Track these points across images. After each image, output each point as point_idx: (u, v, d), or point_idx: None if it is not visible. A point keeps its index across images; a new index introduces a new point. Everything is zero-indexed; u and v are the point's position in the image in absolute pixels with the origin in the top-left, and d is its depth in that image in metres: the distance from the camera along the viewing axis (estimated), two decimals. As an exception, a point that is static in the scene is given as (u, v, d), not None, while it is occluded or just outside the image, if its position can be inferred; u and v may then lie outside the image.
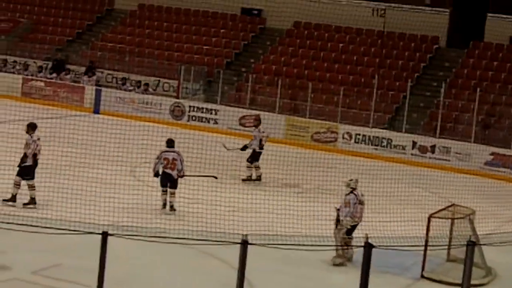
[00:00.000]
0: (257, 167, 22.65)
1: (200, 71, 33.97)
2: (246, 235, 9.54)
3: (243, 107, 31.53)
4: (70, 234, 12.15)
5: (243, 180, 22.38)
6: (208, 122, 31.45)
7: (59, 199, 17.06)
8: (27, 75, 34.68)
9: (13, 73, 34.78)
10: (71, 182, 18.59)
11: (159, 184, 18.76)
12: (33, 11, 39.66)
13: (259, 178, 22.57)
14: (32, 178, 17.69)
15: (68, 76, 34.52)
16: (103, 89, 33.31)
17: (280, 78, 32.40)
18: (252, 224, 16.05)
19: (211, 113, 31.51)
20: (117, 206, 16.87)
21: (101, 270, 9.61)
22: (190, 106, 31.87)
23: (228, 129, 30.48)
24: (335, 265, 15.68)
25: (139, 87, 33.11)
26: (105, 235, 9.62)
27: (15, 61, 35.57)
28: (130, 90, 33.18)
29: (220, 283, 13.73)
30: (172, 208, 18.38)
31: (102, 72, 35.03)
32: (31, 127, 18.12)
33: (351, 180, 16.16)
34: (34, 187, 17.65)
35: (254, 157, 22.72)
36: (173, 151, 18.70)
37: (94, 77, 34.41)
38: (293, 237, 15.18)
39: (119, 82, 34.12)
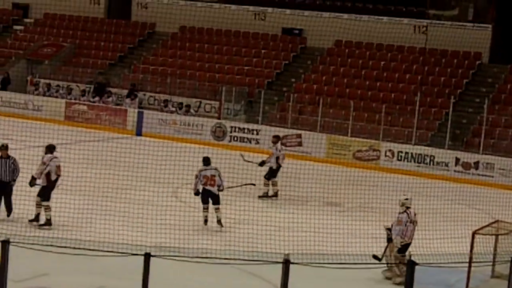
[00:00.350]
0: (274, 184, 22.66)
1: (241, 91, 34.08)
2: (288, 254, 9.52)
3: (284, 127, 31.52)
4: (113, 256, 12.21)
5: (260, 196, 22.29)
6: (250, 142, 31.48)
7: (103, 221, 17.17)
8: (70, 99, 35.05)
9: (57, 97, 35.17)
10: (114, 204, 18.70)
11: (200, 202, 18.83)
12: (75, 35, 40.12)
13: (275, 195, 22.55)
14: (47, 199, 17.71)
15: (110, 99, 34.83)
16: (145, 111, 33.54)
17: (322, 97, 32.36)
18: (296, 243, 16.00)
19: (252, 133, 31.55)
20: (160, 227, 16.92)
21: (143, 291, 9.65)
22: (231, 127, 31.95)
23: (270, 149, 30.36)
24: (395, 284, 15.53)
25: (180, 108, 33.28)
26: (147, 256, 9.66)
27: (58, 85, 35.98)
28: (172, 112, 33.37)
29: (263, 303, 13.69)
30: (219, 222, 18.58)
31: (144, 95, 35.30)
32: (49, 148, 18.30)
33: (406, 199, 15.96)
34: (49, 208, 17.65)
35: (271, 174, 22.75)
36: (211, 168, 18.84)
37: (136, 100, 34.67)
38: (336, 255, 15.09)
39: (161, 104, 34.35)
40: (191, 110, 33.34)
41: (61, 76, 37.27)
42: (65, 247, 12.16)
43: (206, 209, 18.73)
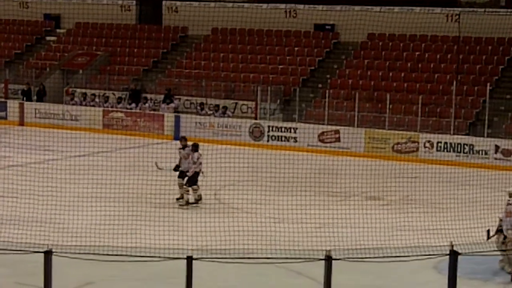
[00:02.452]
0: (195, 190, 21.11)
1: (276, 90, 34.05)
2: (330, 250, 9.47)
3: (322, 124, 31.44)
4: (155, 261, 12.25)
5: (181, 205, 20.86)
6: (288, 140, 31.43)
7: (145, 227, 17.24)
8: (106, 107, 35.26)
9: (93, 106, 35.40)
10: (155, 209, 18.77)
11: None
12: (108, 43, 40.36)
13: (200, 199, 21.03)
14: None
15: (146, 105, 34.98)
16: (182, 115, 33.63)
17: (357, 92, 32.24)
18: (338, 239, 15.93)
19: (290, 132, 31.49)
20: (201, 230, 16.94)
21: (188, 294, 9.65)
22: (269, 126, 31.92)
23: (308, 146, 30.43)
24: (508, 272, 15.37)
25: (217, 111, 33.33)
26: (190, 260, 9.67)
27: (94, 94, 36.20)
28: (208, 115, 33.43)
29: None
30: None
31: (179, 99, 35.40)
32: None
33: None
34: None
35: (194, 180, 21.10)
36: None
37: (173, 104, 34.78)
38: (380, 249, 15.01)
39: (197, 107, 34.41)
40: (228, 112, 33.36)
41: (96, 85, 37.52)
42: (108, 254, 12.21)
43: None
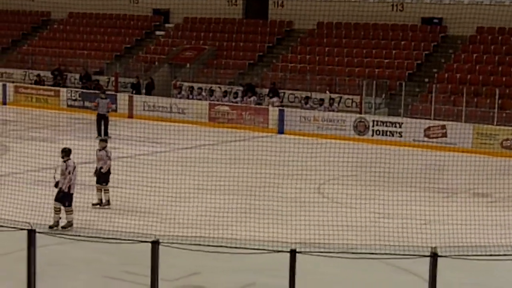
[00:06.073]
0: (106, 191, 19.62)
1: (382, 84, 33.78)
2: (435, 247, 9.37)
3: (428, 118, 31.05)
4: (260, 253, 12.35)
5: (94, 204, 19.39)
6: (393, 135, 31.15)
7: (249, 219, 17.40)
8: (212, 100, 35.67)
9: (200, 99, 35.86)
10: (259, 202, 18.92)
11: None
12: (215, 38, 40.80)
13: (108, 203, 19.53)
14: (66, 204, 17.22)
15: (252, 99, 35.22)
16: (286, 109, 33.73)
17: (465, 86, 31.72)
18: (444, 236, 15.74)
19: (395, 126, 31.20)
20: (305, 224, 16.99)
21: (291, 287, 9.71)
22: (373, 121, 31.71)
23: (414, 141, 30.09)
24: None
25: (321, 105, 33.30)
26: (293, 253, 9.72)
27: (200, 88, 36.66)
28: (313, 108, 33.43)
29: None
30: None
31: (284, 93, 35.52)
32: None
33: None
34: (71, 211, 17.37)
35: (106, 178, 19.64)
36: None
37: (278, 98, 34.91)
38: (487, 247, 14.75)
39: (302, 101, 34.46)
40: (335, 104, 33.29)
41: (203, 79, 38.00)
42: (213, 245, 12.38)
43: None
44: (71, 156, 17.47)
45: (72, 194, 17.30)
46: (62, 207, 17.22)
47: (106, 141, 20.18)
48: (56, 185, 17.34)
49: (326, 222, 17.46)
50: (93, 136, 29.20)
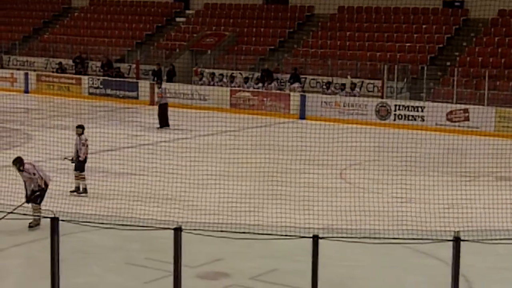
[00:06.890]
0: (83, 178, 19.54)
1: (403, 69, 33.64)
2: (458, 231, 9.34)
3: (450, 102, 30.90)
4: (283, 239, 12.36)
5: (72, 191, 19.23)
6: (415, 120, 31.04)
7: (271, 205, 17.41)
8: (233, 86, 35.66)
9: (221, 85, 35.86)
10: (281, 188, 18.92)
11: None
12: (236, 24, 40.77)
13: (85, 190, 19.45)
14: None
15: (273, 85, 35.18)
16: (308, 94, 33.67)
17: (487, 70, 31.52)
18: (467, 220, 15.68)
19: (417, 111, 31.08)
20: (327, 209, 16.99)
21: (314, 273, 9.72)
22: (395, 105, 31.59)
23: (436, 125, 29.97)
24: None
25: (343, 90, 33.21)
26: (316, 239, 9.72)
27: (221, 74, 36.67)
28: (334, 94, 33.35)
29: (436, 281, 13.49)
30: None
31: (305, 78, 35.45)
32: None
33: None
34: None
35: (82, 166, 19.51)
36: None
37: (299, 84, 34.86)
38: (511, 231, 14.70)
39: (323, 86, 34.37)
40: (357, 89, 33.20)
41: (224, 65, 37.99)
42: (236, 232, 12.40)
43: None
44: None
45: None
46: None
47: (81, 127, 19.65)
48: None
49: (349, 207, 17.47)
50: (116, 124, 29.27)
